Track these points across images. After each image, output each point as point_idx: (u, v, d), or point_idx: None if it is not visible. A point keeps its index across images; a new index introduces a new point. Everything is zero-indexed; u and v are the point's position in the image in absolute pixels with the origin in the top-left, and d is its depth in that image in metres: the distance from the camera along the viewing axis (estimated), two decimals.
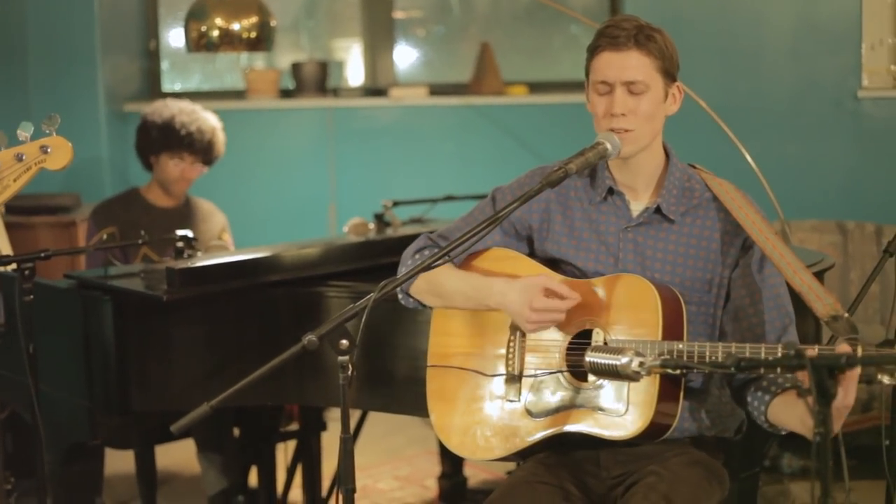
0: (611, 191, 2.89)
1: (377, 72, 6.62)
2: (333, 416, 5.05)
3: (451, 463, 4.85)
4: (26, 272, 3.54)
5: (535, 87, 6.47)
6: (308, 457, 4.47)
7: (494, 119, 6.27)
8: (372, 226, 4.29)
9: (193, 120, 4.82)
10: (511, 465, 4.77)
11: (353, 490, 2.59)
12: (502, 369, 2.89)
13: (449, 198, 4.64)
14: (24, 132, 2.83)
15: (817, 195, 5.84)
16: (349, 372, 2.56)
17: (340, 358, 2.56)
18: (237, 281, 3.55)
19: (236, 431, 4.55)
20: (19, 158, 2.82)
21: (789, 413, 2.63)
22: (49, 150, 2.85)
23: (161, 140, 4.80)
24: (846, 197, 5.91)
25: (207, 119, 4.87)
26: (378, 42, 6.64)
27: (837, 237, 5.53)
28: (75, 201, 5.76)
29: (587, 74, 2.88)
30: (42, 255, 3.59)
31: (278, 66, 6.62)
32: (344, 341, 2.56)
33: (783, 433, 2.75)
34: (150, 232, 4.45)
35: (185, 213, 4.92)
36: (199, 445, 4.47)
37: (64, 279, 3.78)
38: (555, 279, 2.81)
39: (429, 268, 2.66)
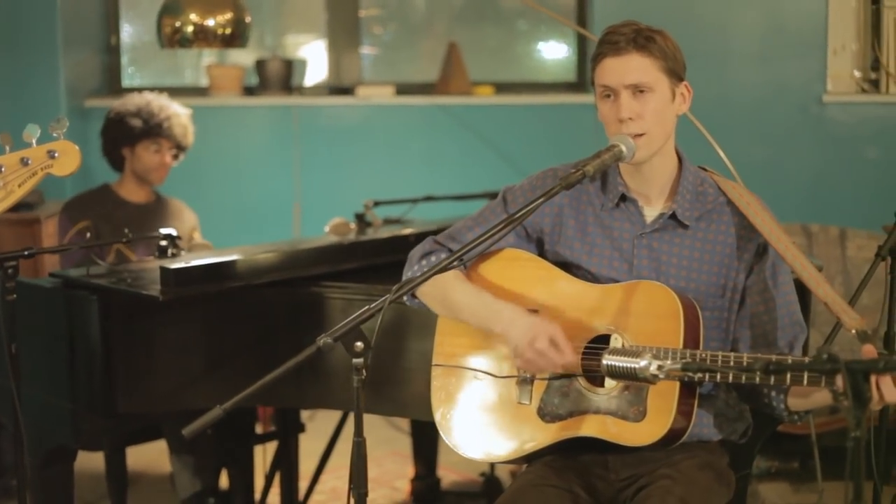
0: (623, 197, 2.88)
1: (342, 70, 6.57)
2: (309, 418, 5.02)
3: (425, 464, 4.83)
4: (9, 271, 3.47)
5: (502, 88, 6.47)
6: (286, 459, 4.42)
7: (461, 119, 6.25)
8: (353, 226, 4.25)
9: (167, 106, 4.83)
10: (483, 467, 4.81)
11: (366, 493, 2.56)
12: (511, 370, 2.87)
13: (429, 198, 4.62)
14: (30, 134, 2.71)
15: (782, 198, 5.85)
16: (363, 374, 2.53)
17: (355, 360, 2.53)
18: (232, 281, 3.50)
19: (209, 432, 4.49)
20: (25, 163, 2.70)
21: (812, 394, 2.66)
22: (56, 154, 2.72)
23: (139, 128, 4.75)
24: (811, 200, 5.96)
25: (178, 107, 4.88)
26: (343, 40, 6.59)
27: (802, 240, 5.56)
28: (38, 198, 5.66)
29: (593, 84, 2.87)
30: (25, 253, 3.52)
31: (241, 63, 6.55)
32: (358, 343, 2.53)
33: (797, 419, 2.79)
34: (123, 227, 4.39)
35: (157, 210, 4.87)
36: (172, 447, 4.40)
37: (48, 278, 3.71)
38: (562, 334, 2.76)
39: (443, 269, 2.63)
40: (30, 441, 3.53)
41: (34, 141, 2.69)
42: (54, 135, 2.69)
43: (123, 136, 4.81)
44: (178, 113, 4.85)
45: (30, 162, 2.69)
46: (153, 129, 4.77)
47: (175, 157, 4.88)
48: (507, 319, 2.81)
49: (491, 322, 2.84)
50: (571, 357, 2.75)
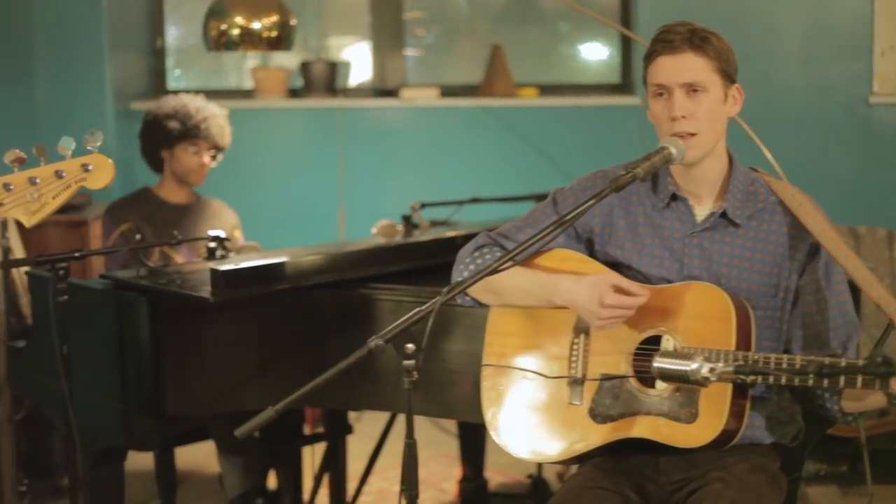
0: (674, 196, 2.87)
1: (386, 72, 6.58)
2: (357, 419, 5.03)
3: (472, 466, 4.83)
4: (60, 272, 3.49)
5: (546, 90, 6.46)
6: (334, 460, 4.44)
7: (505, 121, 6.25)
8: (400, 227, 4.25)
9: (204, 107, 4.86)
10: (531, 469, 4.81)
11: (417, 496, 2.57)
12: (562, 370, 2.87)
13: (475, 200, 4.61)
14: (65, 147, 2.73)
15: (829, 200, 5.75)
16: (414, 376, 2.53)
17: (406, 362, 2.54)
18: (281, 282, 3.51)
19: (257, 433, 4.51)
20: (59, 175, 2.71)
21: (865, 397, 2.65)
22: (90, 168, 2.73)
23: (177, 130, 4.78)
24: (858, 202, 5.92)
25: (215, 107, 4.90)
26: (386, 42, 6.60)
27: (849, 242, 5.53)
28: (86, 200, 5.70)
29: (645, 83, 2.86)
30: (76, 254, 3.55)
31: (286, 66, 6.58)
32: (409, 345, 2.54)
33: (851, 421, 2.79)
34: (164, 228, 4.42)
35: (197, 210, 4.90)
36: (220, 447, 4.43)
37: (99, 279, 3.74)
38: (622, 278, 2.79)
39: (495, 271, 2.64)
40: (81, 441, 3.55)
41: (69, 153, 2.71)
42: (88, 148, 2.71)
43: (161, 138, 4.84)
44: (214, 114, 4.88)
45: (64, 174, 2.70)
46: (191, 131, 4.80)
47: (213, 157, 4.90)
48: (566, 289, 2.82)
49: (551, 296, 2.86)
50: (645, 292, 2.76)
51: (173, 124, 4.81)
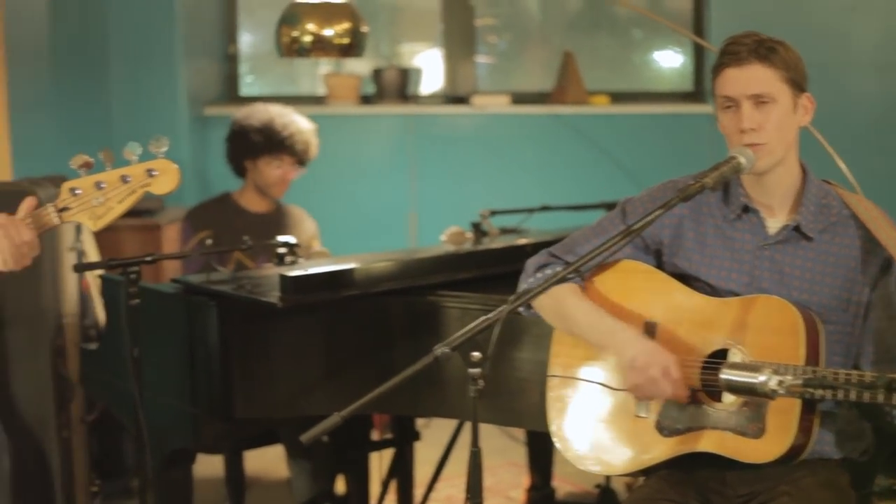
0: (745, 208, 2.85)
1: (457, 79, 6.59)
2: (425, 426, 5.04)
3: (540, 475, 4.82)
4: (132, 276, 3.53)
5: (618, 97, 6.44)
6: (402, 466, 4.44)
7: (577, 129, 6.24)
8: (469, 235, 4.26)
9: (291, 122, 4.86)
10: (599, 479, 4.79)
11: (481, 503, 2.56)
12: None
13: (545, 208, 4.61)
14: (131, 152, 2.75)
15: None
16: (480, 384, 2.53)
17: (471, 370, 2.54)
18: (350, 289, 3.53)
19: (325, 438, 4.53)
20: (125, 180, 2.73)
21: None
22: (155, 173, 2.75)
23: (261, 143, 4.81)
24: None
25: (303, 121, 4.90)
26: (458, 49, 6.61)
27: None
28: (158, 204, 5.77)
29: (714, 94, 2.85)
30: (147, 259, 3.59)
31: (358, 72, 6.61)
32: (475, 353, 2.54)
33: None
34: (243, 236, 4.45)
35: (277, 219, 4.92)
36: (289, 451, 4.46)
37: (170, 284, 3.77)
38: (677, 367, 2.76)
39: (560, 281, 2.64)
40: (151, 443, 3.59)
41: (135, 158, 2.73)
42: (154, 153, 2.73)
43: (246, 149, 4.87)
44: (301, 129, 4.89)
45: (129, 180, 2.72)
46: (276, 146, 4.82)
47: (299, 170, 4.93)
48: (622, 341, 2.81)
49: (605, 341, 2.84)
50: (683, 391, 2.74)
51: (258, 137, 4.84)
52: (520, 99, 6.43)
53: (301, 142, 4.87)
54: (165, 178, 2.74)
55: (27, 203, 2.73)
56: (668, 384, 2.72)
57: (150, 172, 2.73)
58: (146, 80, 6.27)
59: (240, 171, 4.94)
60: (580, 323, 2.89)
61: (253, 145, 4.84)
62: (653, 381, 2.72)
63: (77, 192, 2.71)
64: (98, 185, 2.71)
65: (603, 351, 2.87)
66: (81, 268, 4.07)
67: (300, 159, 4.90)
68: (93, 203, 2.70)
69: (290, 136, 4.84)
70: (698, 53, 6.51)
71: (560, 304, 2.90)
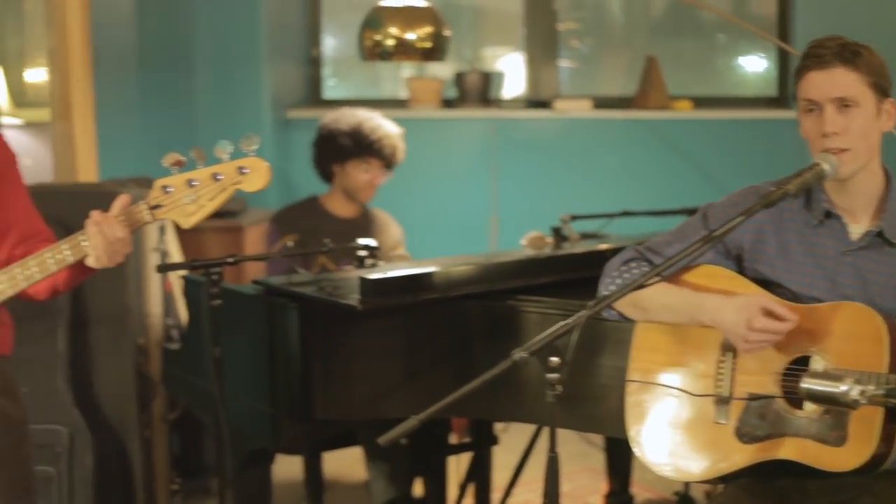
0: (828, 214, 2.82)
1: (539, 83, 6.58)
2: (503, 430, 5.03)
3: (618, 481, 4.79)
4: (214, 277, 3.57)
5: (701, 102, 6.40)
6: (480, 470, 4.44)
7: (659, 133, 6.21)
8: (550, 239, 4.25)
9: (379, 126, 4.88)
10: (677, 486, 4.76)
11: None
12: (708, 389, 2.84)
13: (625, 213, 4.58)
14: (222, 150, 2.76)
15: None
16: (558, 389, 2.53)
17: (550, 375, 2.53)
18: (429, 292, 3.53)
19: (404, 441, 4.54)
20: (216, 178, 2.74)
21: None
22: (246, 171, 2.75)
23: (350, 147, 4.84)
24: None
25: (390, 126, 4.93)
26: (540, 53, 6.60)
27: None
28: (241, 206, 5.82)
29: (796, 98, 2.82)
30: (229, 260, 3.62)
31: (440, 76, 6.62)
32: (554, 358, 2.53)
33: None
34: (325, 240, 4.47)
35: (363, 224, 4.95)
36: (368, 454, 4.47)
37: (251, 285, 3.80)
38: (773, 301, 2.75)
39: (641, 286, 2.63)
40: (230, 442, 3.62)
41: (226, 157, 2.74)
42: (245, 151, 2.74)
43: (334, 153, 4.89)
44: (389, 134, 4.91)
45: (221, 177, 2.73)
46: (364, 150, 4.85)
47: (386, 174, 4.95)
48: (713, 308, 2.78)
49: (697, 315, 2.82)
50: (794, 317, 2.70)
51: (346, 141, 4.86)
52: (602, 103, 6.41)
53: (389, 146, 4.89)
54: (256, 176, 2.74)
55: (121, 200, 2.76)
56: (778, 324, 2.69)
57: (240, 170, 2.73)
58: (230, 83, 6.33)
59: (327, 176, 4.97)
60: (666, 306, 2.87)
61: (341, 149, 4.86)
62: (763, 330, 2.69)
63: (169, 189, 2.73)
64: (190, 183, 2.72)
65: (698, 324, 2.84)
66: (164, 268, 4.11)
67: (388, 163, 4.92)
68: (184, 201, 2.72)
69: (379, 141, 4.86)
70: (783, 58, 6.45)
71: (639, 295, 2.85)
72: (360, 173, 4.88)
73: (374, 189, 4.95)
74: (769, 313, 2.71)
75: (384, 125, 4.92)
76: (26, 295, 2.84)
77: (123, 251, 2.75)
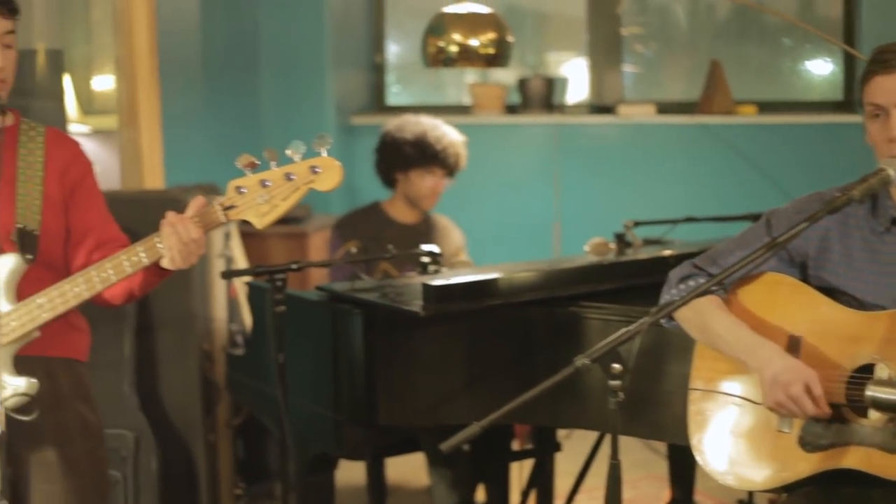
0: (894, 220, 2.80)
1: (603, 88, 6.57)
2: (566, 437, 5.03)
3: (682, 489, 4.76)
4: (278, 283, 3.59)
5: (766, 107, 6.36)
6: (542, 477, 4.44)
7: (723, 139, 6.17)
8: (613, 245, 4.23)
9: (443, 135, 4.90)
10: (741, 494, 4.72)
11: None
12: None
13: (689, 219, 4.55)
14: (294, 151, 2.78)
15: None
16: (620, 396, 2.53)
17: (612, 382, 2.53)
18: (492, 299, 3.54)
19: (466, 447, 4.55)
20: (289, 178, 2.75)
21: None
22: (319, 170, 2.75)
23: (413, 156, 4.85)
24: None
25: (454, 133, 4.94)
26: (604, 58, 6.59)
27: None
28: (306, 212, 5.85)
29: (862, 103, 2.80)
30: (294, 266, 3.64)
31: (503, 82, 6.63)
32: (616, 365, 2.53)
33: None
34: (388, 246, 4.48)
35: (425, 230, 4.96)
36: (430, 460, 4.47)
37: (315, 291, 3.83)
38: (819, 384, 2.71)
39: (703, 293, 2.62)
40: (294, 448, 3.65)
41: (298, 157, 2.75)
42: (317, 151, 2.75)
43: (397, 161, 4.91)
44: (453, 142, 4.92)
45: (294, 177, 2.74)
46: (429, 159, 4.86)
47: (449, 181, 4.96)
48: (763, 357, 2.76)
49: (747, 357, 2.80)
50: (824, 408, 2.69)
51: (411, 150, 4.88)
52: (666, 108, 6.39)
53: (453, 154, 4.90)
54: (328, 175, 2.74)
55: (197, 202, 2.78)
56: (809, 402, 2.68)
57: (313, 169, 2.73)
58: (295, 90, 6.37)
59: (390, 183, 4.99)
60: (722, 337, 2.86)
61: (405, 158, 4.88)
62: (795, 399, 2.68)
63: (243, 190, 2.74)
64: (263, 183, 2.73)
65: (744, 365, 2.83)
66: (229, 274, 4.16)
67: (451, 171, 4.94)
68: (258, 201, 2.73)
69: (444, 150, 4.88)
70: (848, 62, 6.40)
71: (702, 316, 2.87)
72: (423, 182, 4.90)
73: (437, 197, 4.96)
74: (808, 391, 2.69)
75: (448, 133, 4.93)
76: (102, 299, 2.88)
77: (197, 252, 2.77)
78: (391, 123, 5.00)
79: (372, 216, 4.97)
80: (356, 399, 3.60)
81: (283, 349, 3.54)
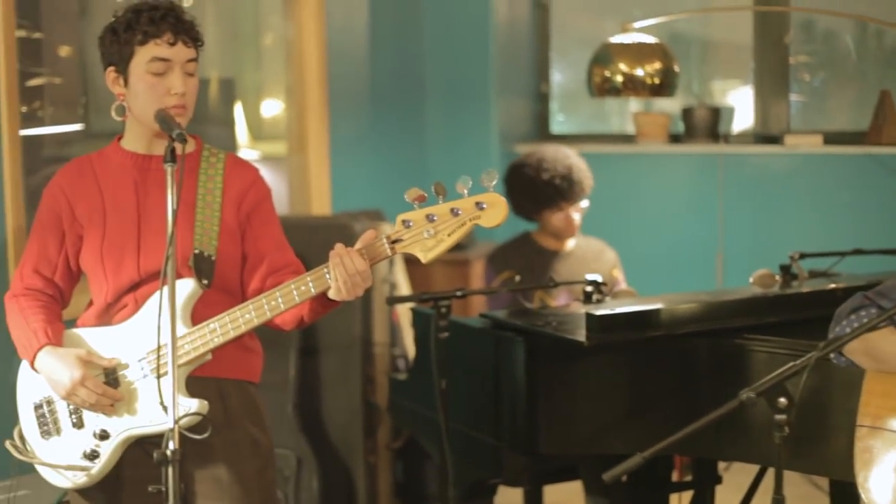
0: None
1: (769, 118, 6.49)
2: (726, 469, 4.97)
3: None
4: (442, 310, 3.64)
5: None
6: None
7: (893, 170, 6.05)
8: (778, 278, 4.18)
9: (574, 170, 4.89)
10: None
11: None
12: None
13: (857, 251, 4.48)
14: (462, 185, 2.80)
15: None
16: (786, 431, 2.51)
17: (777, 417, 2.51)
18: (655, 329, 3.53)
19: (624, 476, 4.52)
20: (455, 213, 2.77)
21: None
22: (485, 206, 2.77)
23: (561, 193, 4.85)
24: None
25: (579, 162, 4.97)
26: (770, 87, 6.52)
27: None
28: (468, 239, 5.89)
29: None
30: (458, 293, 3.68)
31: (668, 111, 6.60)
32: (782, 399, 2.51)
33: None
34: (544, 274, 4.50)
35: (577, 254, 4.97)
36: (587, 488, 4.46)
37: (478, 318, 3.86)
38: None
39: (873, 328, 2.58)
40: (454, 472, 3.68)
41: (466, 192, 2.77)
42: (484, 186, 2.77)
43: (544, 199, 4.90)
44: (582, 174, 4.92)
45: (460, 212, 2.76)
46: (575, 195, 4.87)
47: (584, 207, 4.97)
48: None
49: None
50: None
51: (560, 184, 4.88)
52: (833, 139, 6.28)
53: (583, 188, 4.90)
54: (494, 212, 2.76)
55: (368, 235, 2.82)
56: None
57: (479, 205, 2.75)
58: (460, 118, 6.43)
59: (528, 213, 5.01)
60: (894, 357, 2.81)
61: (550, 196, 4.88)
62: None
63: (409, 224, 2.77)
64: (429, 218, 2.76)
65: None
66: (394, 300, 4.21)
67: (583, 199, 4.93)
68: (424, 235, 2.76)
69: (580, 182, 4.88)
70: None
71: (874, 344, 2.81)
72: (560, 219, 4.90)
73: (577, 223, 4.95)
74: None
75: (576, 165, 4.92)
76: (274, 324, 2.95)
77: (364, 284, 2.82)
78: (532, 158, 4.97)
79: (521, 246, 4.99)
80: (517, 426, 3.62)
81: (446, 375, 3.58)
